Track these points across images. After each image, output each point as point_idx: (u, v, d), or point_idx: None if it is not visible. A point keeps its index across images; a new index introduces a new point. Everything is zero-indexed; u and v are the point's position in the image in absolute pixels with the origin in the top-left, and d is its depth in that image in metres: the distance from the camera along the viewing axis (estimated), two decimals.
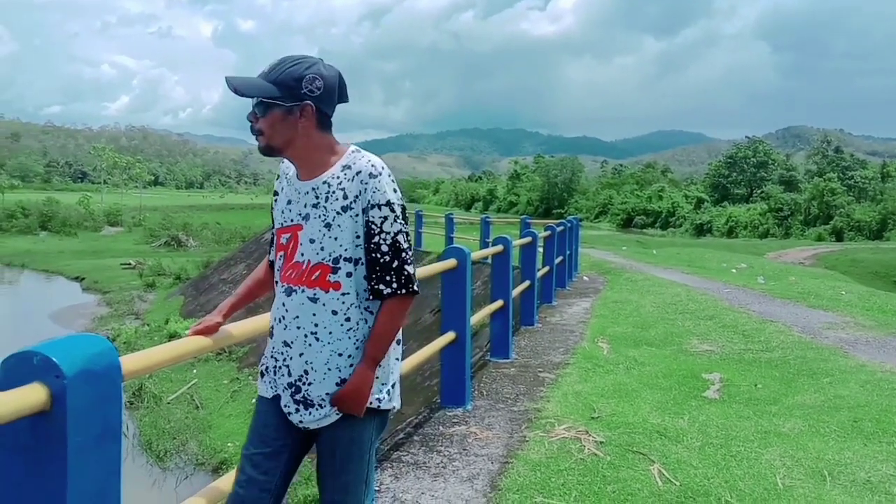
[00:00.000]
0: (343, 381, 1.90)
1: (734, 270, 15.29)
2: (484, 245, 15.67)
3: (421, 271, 4.48)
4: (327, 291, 1.88)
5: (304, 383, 1.92)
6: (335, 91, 1.91)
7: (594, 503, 3.28)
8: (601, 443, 4.06)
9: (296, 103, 1.85)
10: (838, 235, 48.18)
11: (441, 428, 4.31)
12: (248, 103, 1.93)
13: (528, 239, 7.95)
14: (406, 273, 1.90)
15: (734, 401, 5.04)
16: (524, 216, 22.00)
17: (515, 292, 6.86)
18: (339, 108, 1.96)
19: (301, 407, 1.93)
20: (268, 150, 1.92)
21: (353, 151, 1.93)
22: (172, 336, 12.19)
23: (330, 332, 1.88)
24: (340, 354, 1.89)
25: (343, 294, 1.88)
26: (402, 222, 1.90)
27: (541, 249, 9.05)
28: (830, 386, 5.36)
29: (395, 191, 1.90)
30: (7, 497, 1.60)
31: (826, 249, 33.60)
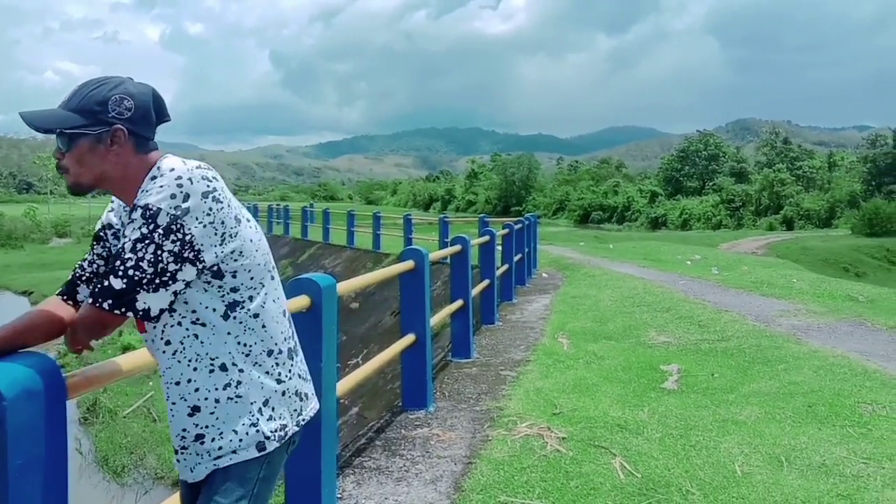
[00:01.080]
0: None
1: (689, 262, 15.57)
2: (443, 245, 15.68)
3: (379, 273, 4.46)
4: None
5: None
6: (150, 109, 1.66)
7: (558, 499, 3.30)
8: (563, 438, 4.08)
9: (104, 129, 1.60)
10: (789, 224, 49.40)
11: (403, 431, 4.29)
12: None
13: (487, 238, 7.98)
14: (106, 285, 1.53)
15: (692, 391, 5.12)
16: (482, 215, 22.08)
17: (475, 291, 6.86)
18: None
19: None
20: (77, 189, 1.66)
21: (162, 158, 1.62)
22: (126, 348, 11.93)
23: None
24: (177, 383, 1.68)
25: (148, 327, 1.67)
26: (153, 230, 1.51)
27: (499, 248, 9.08)
28: (785, 373, 5.48)
29: (172, 196, 1.52)
30: None
31: (777, 239, 34.42)
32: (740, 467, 3.64)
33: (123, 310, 1.54)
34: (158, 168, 1.58)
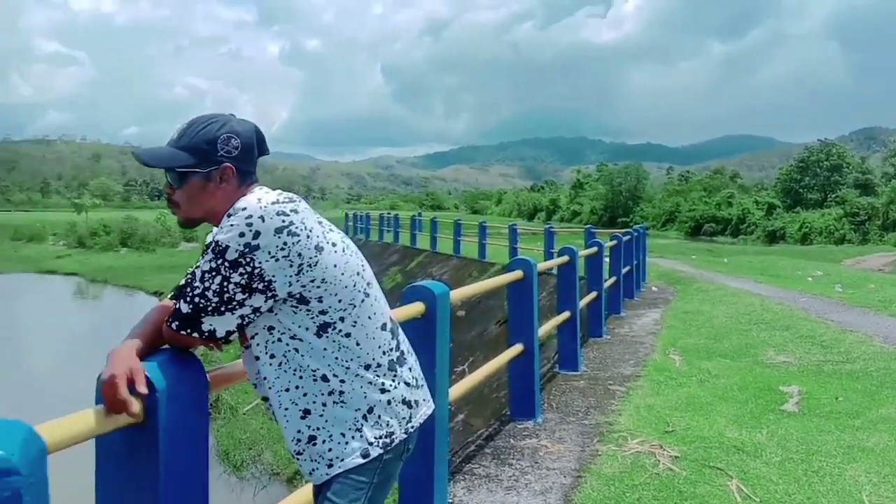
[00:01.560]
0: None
1: (810, 279, 14.76)
2: (548, 255, 15.59)
3: (489, 282, 4.51)
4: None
5: None
6: (254, 146, 1.77)
7: None
8: (676, 457, 3.99)
9: (213, 168, 1.70)
10: None
11: (512, 441, 4.32)
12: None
13: (594, 249, 7.89)
14: (176, 308, 1.66)
15: (814, 414, 4.87)
16: (588, 226, 21.78)
17: (582, 303, 6.80)
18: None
19: None
20: (187, 223, 1.79)
21: (244, 196, 1.68)
22: None
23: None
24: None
25: (252, 343, 1.74)
26: (221, 264, 1.60)
27: (607, 259, 8.95)
28: None
29: (241, 234, 1.58)
30: (108, 501, 1.70)
31: None
32: (868, 497, 3.45)
33: (189, 331, 1.64)
34: (234, 207, 1.63)
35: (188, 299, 1.63)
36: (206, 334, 1.64)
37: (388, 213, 30.65)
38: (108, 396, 1.53)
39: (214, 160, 1.70)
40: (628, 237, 10.99)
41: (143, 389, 1.57)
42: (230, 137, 1.72)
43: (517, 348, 4.67)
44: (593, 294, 7.64)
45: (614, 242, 9.75)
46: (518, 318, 4.81)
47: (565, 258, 6.23)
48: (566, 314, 6.14)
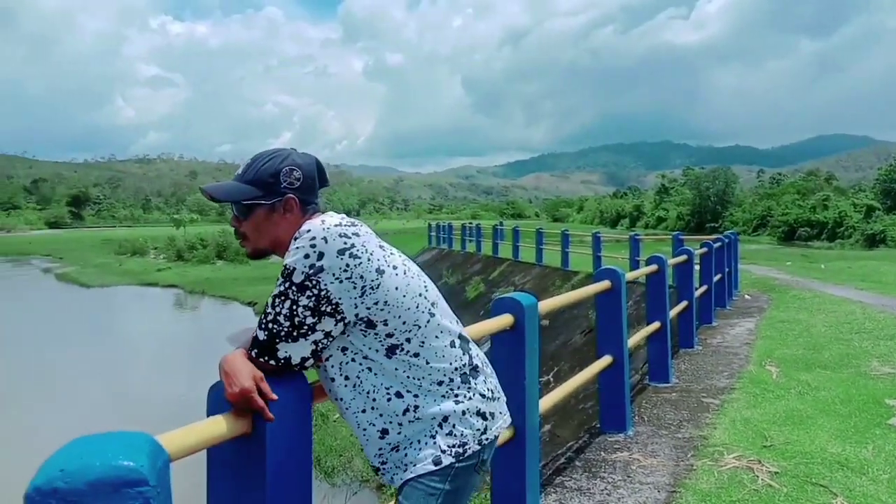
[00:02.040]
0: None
1: None
2: (634, 263, 15.28)
3: (576, 293, 4.47)
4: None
5: None
6: (314, 177, 1.85)
7: None
8: (776, 473, 3.85)
9: (278, 199, 1.80)
10: None
11: (603, 454, 4.26)
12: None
13: (684, 257, 7.69)
14: (254, 336, 1.72)
15: None
16: (676, 232, 21.23)
17: (672, 313, 6.64)
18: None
19: None
20: (256, 254, 1.88)
21: (309, 220, 1.77)
22: None
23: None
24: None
25: (326, 365, 1.81)
26: (288, 287, 1.67)
27: (697, 267, 8.71)
28: None
29: (306, 256, 1.65)
30: None
31: None
32: None
33: (267, 358, 1.69)
34: (299, 231, 1.71)
35: (263, 326, 1.70)
36: (283, 361, 1.70)
37: (470, 223, 30.75)
38: (242, 406, 1.65)
39: (278, 192, 1.79)
40: (719, 244, 10.66)
41: (273, 397, 1.66)
42: (292, 170, 1.80)
43: (606, 360, 4.61)
44: (684, 304, 7.45)
45: (705, 250, 9.48)
46: (606, 329, 4.75)
47: (654, 267, 6.11)
48: (656, 324, 6.01)
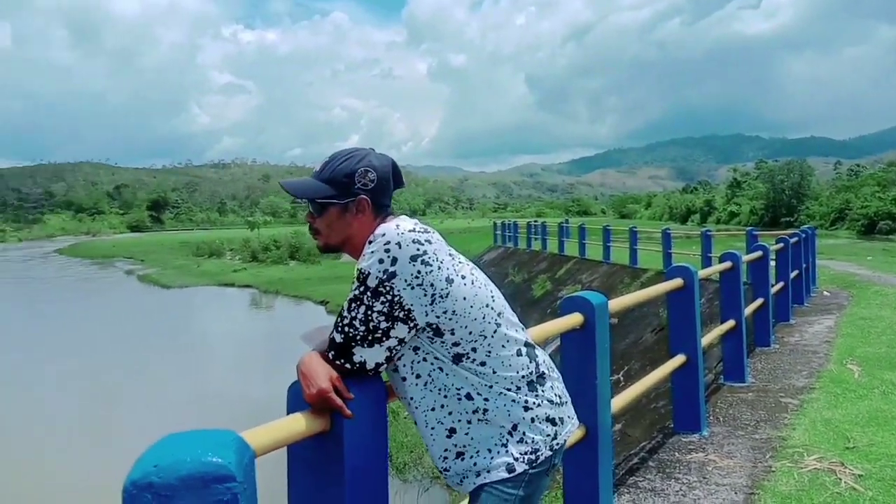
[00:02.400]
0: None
1: None
2: (706, 260, 14.92)
3: (647, 291, 4.41)
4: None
5: None
6: (389, 179, 1.86)
7: None
8: (860, 476, 3.71)
9: (351, 199, 1.82)
10: None
11: (677, 454, 4.19)
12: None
13: (759, 253, 7.47)
14: (331, 338, 1.76)
15: None
16: (749, 227, 20.60)
17: (748, 311, 6.46)
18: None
19: None
20: (326, 249, 1.93)
21: (383, 223, 1.79)
22: None
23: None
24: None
25: (398, 364, 1.81)
26: (363, 292, 1.70)
27: (773, 263, 8.44)
28: None
29: (380, 261, 1.68)
30: (301, 503, 1.84)
31: None
32: None
33: (343, 361, 1.73)
34: (374, 233, 1.73)
35: (339, 329, 1.73)
36: (357, 365, 1.73)
37: (536, 221, 30.55)
38: (320, 406, 1.71)
39: (352, 192, 1.82)
40: (795, 239, 10.30)
41: (349, 396, 1.72)
42: (367, 171, 1.82)
43: (679, 359, 4.53)
44: (759, 301, 7.24)
45: (780, 245, 9.18)
46: (679, 328, 4.66)
47: (728, 264, 5.96)
48: (731, 323, 5.86)
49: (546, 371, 1.85)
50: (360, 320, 1.70)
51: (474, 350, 1.74)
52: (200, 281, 38.45)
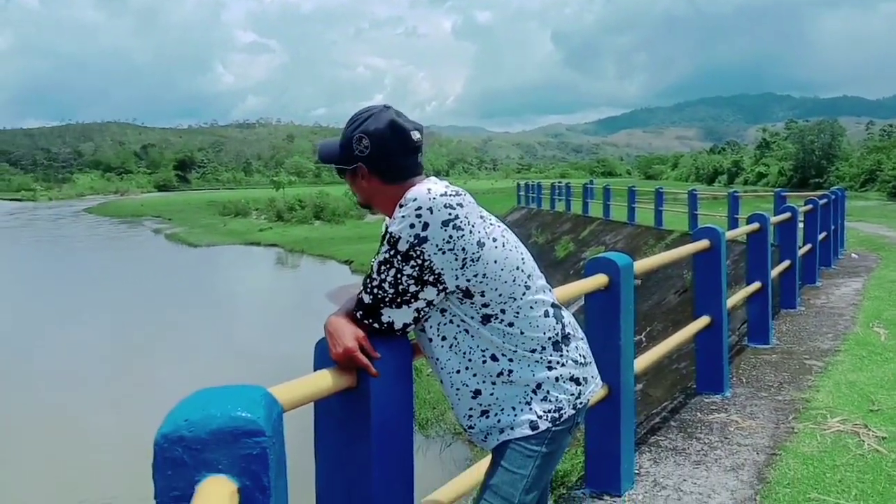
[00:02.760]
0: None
1: None
2: (733, 222, 14.74)
3: (673, 252, 4.38)
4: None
5: None
6: (385, 146, 1.77)
7: (877, 503, 3.02)
8: (883, 438, 3.70)
9: (354, 165, 1.81)
10: None
11: (699, 414, 4.20)
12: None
13: (787, 215, 7.36)
14: (359, 298, 1.76)
15: None
16: (778, 189, 20.27)
17: (774, 273, 6.40)
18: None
19: None
20: (362, 206, 1.93)
21: (415, 186, 1.75)
22: None
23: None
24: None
25: (425, 325, 1.81)
26: (393, 255, 1.69)
27: (801, 225, 8.32)
28: None
29: (411, 225, 1.66)
30: (328, 458, 1.89)
31: None
32: None
33: (370, 321, 1.74)
34: (405, 197, 1.71)
35: (368, 290, 1.74)
36: (385, 326, 1.74)
37: (560, 182, 30.32)
38: (346, 364, 1.74)
39: (353, 158, 1.81)
40: (825, 201, 10.13)
41: (376, 355, 1.75)
42: (361, 138, 1.78)
43: (704, 320, 4.51)
44: (786, 263, 7.16)
45: (809, 207, 9.04)
46: (705, 290, 4.64)
47: (756, 226, 5.88)
48: (757, 285, 5.82)
49: (571, 332, 1.86)
50: (390, 283, 1.71)
51: (503, 311, 1.75)
52: (227, 240, 38.86)
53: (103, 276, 26.53)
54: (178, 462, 1.17)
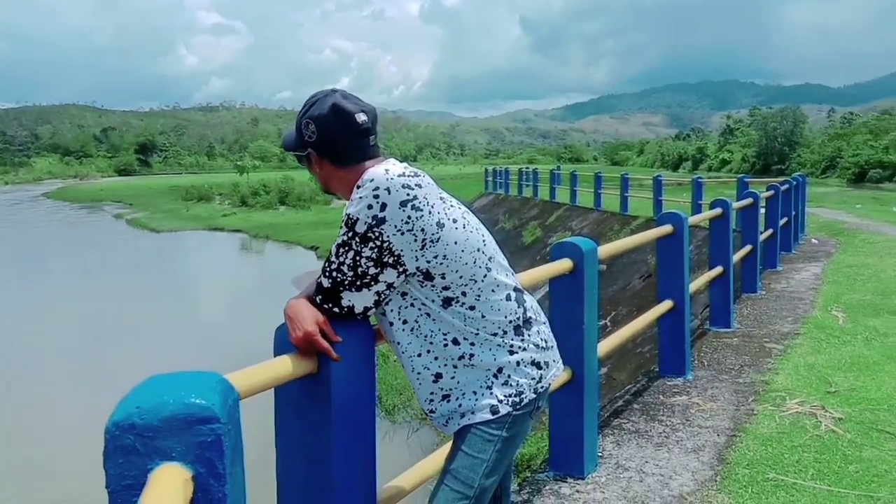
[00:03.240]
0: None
1: None
2: (696, 207, 14.93)
3: (637, 237, 4.42)
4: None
5: None
6: (331, 128, 1.75)
7: (834, 482, 3.09)
8: (840, 419, 3.79)
9: (307, 151, 1.82)
10: None
11: (661, 397, 4.26)
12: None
13: (749, 201, 7.47)
14: (318, 282, 1.74)
15: None
16: (741, 175, 20.57)
17: (736, 258, 6.50)
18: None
19: None
20: (325, 191, 1.91)
21: (371, 168, 1.74)
22: None
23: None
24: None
25: (385, 309, 1.81)
26: (352, 237, 1.67)
27: (763, 211, 8.46)
28: None
29: (369, 206, 1.64)
30: (289, 446, 1.86)
31: None
32: None
33: (330, 305, 1.73)
34: (362, 178, 1.69)
35: (327, 274, 1.72)
36: (346, 310, 1.73)
37: (527, 168, 30.40)
38: (307, 349, 1.72)
39: (304, 144, 1.82)
40: (786, 187, 10.31)
41: (337, 338, 1.73)
42: (308, 123, 1.78)
43: (667, 304, 4.57)
44: (748, 248, 7.28)
45: (771, 193, 9.18)
46: (668, 274, 4.69)
47: (718, 211, 5.96)
48: (719, 269, 5.90)
49: (533, 316, 1.86)
50: (349, 265, 1.69)
51: (464, 294, 1.73)
52: (190, 225, 38.25)
53: (62, 262, 25.97)
54: (129, 450, 1.14)
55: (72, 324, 15.88)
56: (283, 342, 1.79)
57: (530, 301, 1.89)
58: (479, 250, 1.76)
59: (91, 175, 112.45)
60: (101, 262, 25.40)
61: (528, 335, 1.82)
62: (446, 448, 2.15)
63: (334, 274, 1.71)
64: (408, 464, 2.37)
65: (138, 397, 1.18)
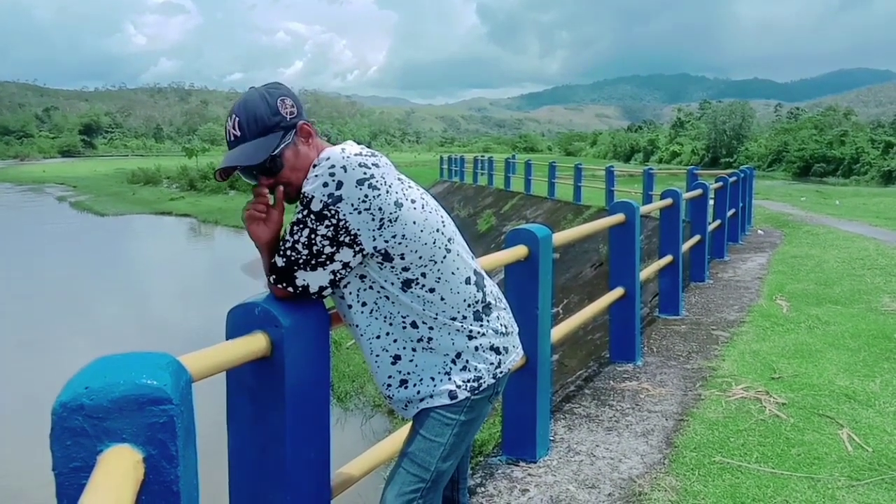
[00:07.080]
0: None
1: None
2: (647, 198, 15.19)
3: (591, 226, 4.47)
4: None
5: None
6: (296, 103, 1.78)
7: (777, 465, 3.18)
8: (783, 404, 3.91)
9: (293, 132, 1.77)
10: None
11: (612, 383, 4.33)
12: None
13: (699, 191, 7.63)
14: (272, 261, 1.73)
15: None
16: (691, 167, 20.98)
17: (685, 247, 6.63)
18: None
19: None
20: (290, 201, 1.81)
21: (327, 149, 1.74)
22: None
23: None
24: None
25: (344, 291, 1.79)
26: (307, 216, 1.65)
27: (711, 202, 8.65)
28: None
29: (325, 185, 1.62)
30: (241, 430, 1.83)
31: None
32: None
33: (285, 285, 1.71)
34: (318, 157, 1.69)
35: (281, 252, 1.70)
36: (300, 289, 1.71)
37: (482, 156, 30.49)
38: (256, 217, 1.75)
39: (288, 125, 1.72)
40: (734, 179, 10.55)
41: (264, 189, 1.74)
42: (284, 99, 1.74)
43: (618, 291, 4.64)
44: (696, 238, 7.44)
45: (720, 185, 9.39)
46: (619, 262, 4.76)
47: (669, 201, 6.07)
48: (668, 258, 6.02)
49: (493, 301, 1.85)
50: (304, 244, 1.67)
51: (423, 276, 1.72)
52: (136, 209, 37.33)
53: (1, 245, 25.10)
54: (77, 432, 1.11)
55: (12, 311, 15.37)
56: (235, 325, 1.76)
57: (491, 286, 1.89)
58: (438, 231, 1.75)
59: (32, 156, 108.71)
60: (45, 247, 24.62)
61: (488, 320, 1.82)
62: (401, 433, 2.16)
63: (289, 252, 1.69)
64: (361, 450, 2.36)
65: (87, 378, 1.15)
